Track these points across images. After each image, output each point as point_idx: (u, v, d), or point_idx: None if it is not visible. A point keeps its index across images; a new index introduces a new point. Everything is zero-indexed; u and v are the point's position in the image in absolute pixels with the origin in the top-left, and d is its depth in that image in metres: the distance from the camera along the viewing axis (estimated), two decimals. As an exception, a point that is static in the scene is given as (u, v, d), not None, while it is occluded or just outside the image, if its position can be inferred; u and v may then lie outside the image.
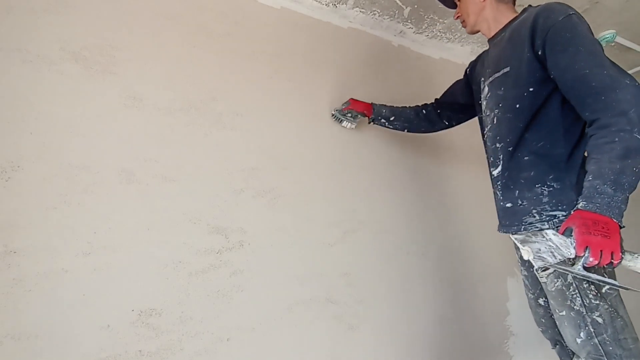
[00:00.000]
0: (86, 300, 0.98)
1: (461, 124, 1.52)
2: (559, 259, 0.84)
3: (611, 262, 0.78)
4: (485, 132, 1.21)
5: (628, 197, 0.81)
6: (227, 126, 1.31)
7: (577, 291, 0.94)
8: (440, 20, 1.79)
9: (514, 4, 1.20)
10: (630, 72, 2.35)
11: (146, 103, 1.19)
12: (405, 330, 1.49)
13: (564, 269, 0.86)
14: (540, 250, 0.87)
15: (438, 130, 1.55)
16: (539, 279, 1.05)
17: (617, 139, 0.82)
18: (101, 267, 1.01)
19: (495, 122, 1.12)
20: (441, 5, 1.41)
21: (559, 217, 0.96)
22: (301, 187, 1.41)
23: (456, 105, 1.45)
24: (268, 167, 1.35)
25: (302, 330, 1.27)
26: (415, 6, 1.68)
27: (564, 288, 0.96)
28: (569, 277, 0.93)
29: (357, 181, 1.55)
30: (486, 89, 1.17)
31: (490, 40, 1.19)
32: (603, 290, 0.91)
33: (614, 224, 0.79)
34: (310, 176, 1.44)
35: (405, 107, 1.54)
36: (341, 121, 1.55)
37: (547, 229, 0.95)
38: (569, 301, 0.95)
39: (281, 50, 1.52)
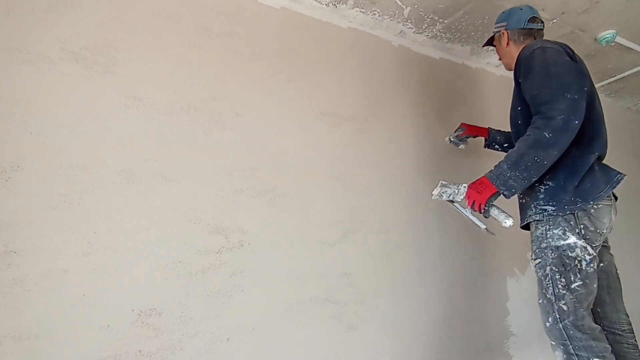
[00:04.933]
0: (86, 300, 0.98)
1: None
2: (449, 199, 1.25)
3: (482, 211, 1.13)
4: None
5: (524, 177, 1.07)
6: (227, 126, 1.31)
7: (550, 281, 1.12)
8: (440, 20, 1.79)
9: (536, 37, 1.34)
10: (630, 72, 2.35)
11: (146, 103, 1.19)
12: (405, 330, 1.49)
13: (458, 209, 1.27)
14: (445, 192, 1.25)
15: None
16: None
17: (531, 134, 1.08)
18: (101, 267, 1.01)
19: (512, 135, 1.37)
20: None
21: (548, 211, 1.15)
22: (301, 187, 1.41)
23: None
24: (268, 167, 1.35)
25: (302, 330, 1.27)
26: (415, 6, 1.68)
27: (542, 278, 1.15)
28: (547, 269, 1.13)
29: (357, 181, 1.55)
30: None
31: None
32: (572, 287, 1.09)
33: (490, 187, 1.12)
34: (310, 176, 1.44)
35: None
36: (458, 145, 1.74)
37: (539, 220, 1.18)
38: (544, 290, 1.14)
39: (281, 50, 1.52)
